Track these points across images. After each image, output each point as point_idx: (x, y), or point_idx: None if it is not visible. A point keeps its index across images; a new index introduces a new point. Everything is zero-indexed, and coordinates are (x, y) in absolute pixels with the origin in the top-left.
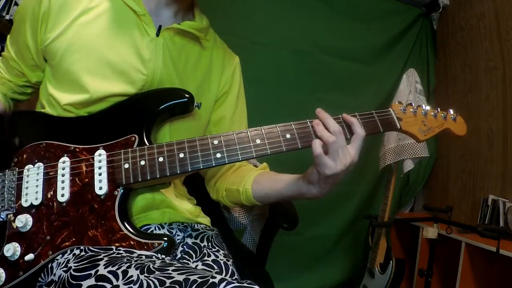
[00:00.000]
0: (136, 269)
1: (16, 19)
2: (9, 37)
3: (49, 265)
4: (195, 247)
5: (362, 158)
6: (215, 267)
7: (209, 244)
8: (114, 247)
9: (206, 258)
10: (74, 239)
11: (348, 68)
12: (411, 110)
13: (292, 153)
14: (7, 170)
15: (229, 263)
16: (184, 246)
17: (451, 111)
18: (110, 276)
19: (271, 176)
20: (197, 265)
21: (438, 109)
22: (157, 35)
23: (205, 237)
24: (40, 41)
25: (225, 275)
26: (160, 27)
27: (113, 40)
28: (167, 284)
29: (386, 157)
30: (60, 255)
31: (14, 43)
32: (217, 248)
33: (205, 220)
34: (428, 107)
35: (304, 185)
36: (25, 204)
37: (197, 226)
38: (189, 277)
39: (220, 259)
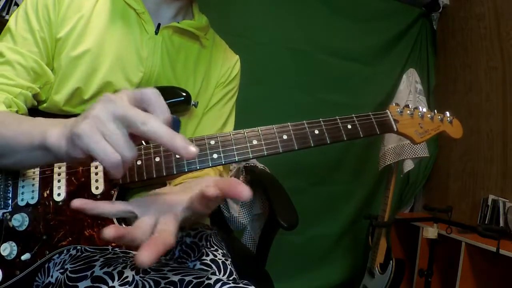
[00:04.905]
0: (132, 269)
1: (29, 8)
2: (14, 35)
3: (46, 265)
4: (194, 246)
5: (361, 158)
6: (213, 266)
7: (208, 243)
8: (110, 247)
9: (204, 257)
10: (70, 238)
11: (348, 68)
12: (408, 112)
13: (288, 154)
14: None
15: (228, 262)
16: (183, 245)
17: (448, 114)
18: (106, 277)
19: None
20: (195, 265)
21: (435, 111)
22: (156, 33)
23: (203, 236)
24: (55, 32)
25: (223, 275)
26: (159, 25)
27: (114, 38)
28: (162, 285)
29: (386, 157)
30: (57, 255)
31: (25, 37)
32: (215, 247)
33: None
34: (424, 109)
35: None
36: (21, 203)
37: (196, 225)
38: (184, 277)
39: (219, 259)
